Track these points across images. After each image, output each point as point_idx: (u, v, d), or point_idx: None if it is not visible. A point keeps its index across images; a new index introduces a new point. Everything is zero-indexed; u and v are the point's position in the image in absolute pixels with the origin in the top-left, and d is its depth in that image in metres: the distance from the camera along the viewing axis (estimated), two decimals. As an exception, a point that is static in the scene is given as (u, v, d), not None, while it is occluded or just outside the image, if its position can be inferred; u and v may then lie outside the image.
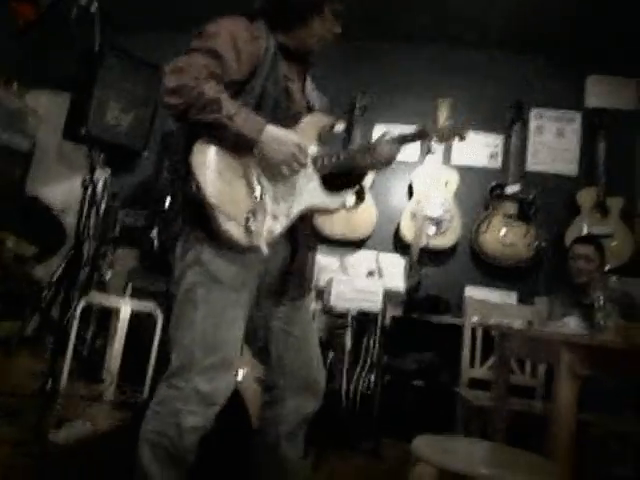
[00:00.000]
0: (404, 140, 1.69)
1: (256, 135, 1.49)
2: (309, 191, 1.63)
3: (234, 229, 1.48)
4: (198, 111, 1.45)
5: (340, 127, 4.18)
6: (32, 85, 4.72)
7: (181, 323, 1.54)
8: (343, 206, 1.73)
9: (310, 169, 1.64)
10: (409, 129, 1.69)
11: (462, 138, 1.72)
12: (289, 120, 1.61)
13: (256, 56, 1.58)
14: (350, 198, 1.67)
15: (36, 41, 4.34)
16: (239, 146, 1.51)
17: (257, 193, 1.53)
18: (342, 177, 1.72)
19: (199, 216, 1.51)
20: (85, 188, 3.70)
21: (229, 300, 1.53)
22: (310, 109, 1.72)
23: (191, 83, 1.45)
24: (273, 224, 1.54)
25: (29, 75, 4.69)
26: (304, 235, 1.70)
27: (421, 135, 1.71)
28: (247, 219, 1.49)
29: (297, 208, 1.60)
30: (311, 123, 1.67)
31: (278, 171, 1.54)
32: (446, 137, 1.73)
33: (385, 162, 1.69)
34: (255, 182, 1.54)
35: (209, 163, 1.50)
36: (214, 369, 1.50)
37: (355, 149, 1.74)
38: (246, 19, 1.63)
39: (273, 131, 1.51)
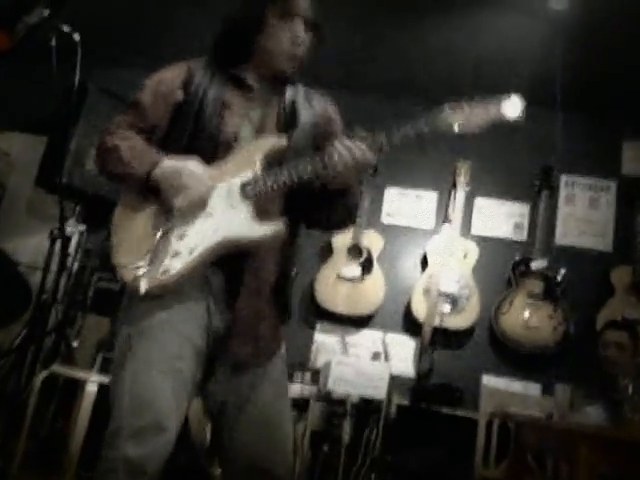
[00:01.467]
0: (362, 138, 1.64)
1: (147, 168, 1.65)
2: (229, 222, 1.66)
3: (126, 275, 1.63)
4: (103, 163, 1.73)
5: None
6: (4, 126, 4.90)
7: (112, 386, 1.62)
8: (269, 236, 1.66)
9: (235, 197, 1.68)
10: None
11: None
12: (221, 149, 1.72)
13: (174, 95, 1.76)
14: (275, 227, 1.62)
15: (9, 75, 4.53)
16: (143, 189, 1.68)
17: (159, 234, 1.66)
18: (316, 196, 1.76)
19: None
20: (53, 241, 3.85)
21: (158, 352, 1.59)
22: (287, 129, 1.78)
23: (104, 138, 1.72)
24: (171, 262, 1.62)
25: (0, 114, 4.88)
26: (254, 279, 1.71)
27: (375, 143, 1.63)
28: (138, 262, 1.63)
29: (206, 242, 1.64)
30: (255, 147, 1.72)
31: (182, 207, 1.66)
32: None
33: (345, 170, 1.62)
34: (161, 223, 1.68)
35: (116, 219, 1.72)
36: (144, 432, 1.53)
37: (298, 162, 1.68)
38: (186, 63, 1.82)
39: (169, 163, 1.65)
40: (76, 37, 3.16)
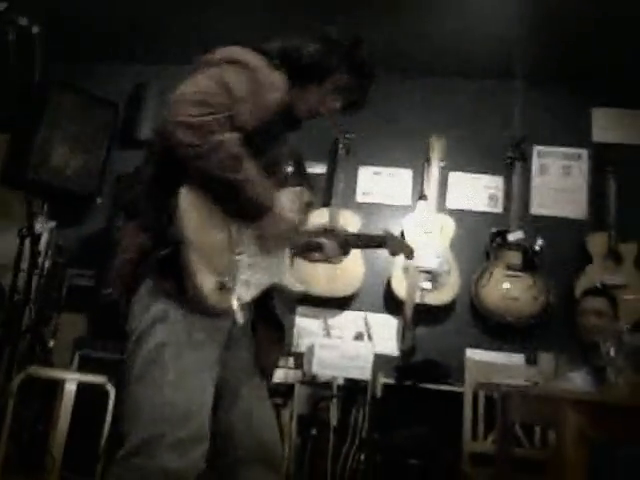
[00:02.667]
0: (358, 243, 2.17)
1: (270, 204, 1.65)
2: (279, 267, 1.78)
3: (207, 284, 1.54)
4: (215, 163, 1.51)
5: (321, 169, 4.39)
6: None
7: (143, 389, 1.54)
8: (301, 294, 1.91)
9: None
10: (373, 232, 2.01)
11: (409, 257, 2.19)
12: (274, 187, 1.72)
13: (269, 110, 1.65)
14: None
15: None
16: (234, 203, 1.61)
17: (236, 253, 1.63)
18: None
19: (168, 265, 1.55)
20: (22, 239, 3.82)
21: (202, 363, 1.58)
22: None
23: (214, 127, 1.50)
24: (244, 291, 1.63)
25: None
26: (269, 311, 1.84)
27: (379, 245, 2.25)
28: (222, 276, 1.57)
29: (268, 281, 1.72)
30: (294, 194, 1.79)
31: (266, 241, 1.70)
32: (397, 253, 2.35)
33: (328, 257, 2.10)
34: (236, 241, 1.64)
35: (196, 207, 1.56)
36: (186, 443, 1.49)
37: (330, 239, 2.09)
38: (268, 62, 1.69)
39: (280, 201, 1.69)
40: (35, 30, 3.14)
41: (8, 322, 3.74)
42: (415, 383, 3.81)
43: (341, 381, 3.74)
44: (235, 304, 1.58)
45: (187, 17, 4.13)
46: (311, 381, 3.77)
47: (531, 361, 3.95)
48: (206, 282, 1.54)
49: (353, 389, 3.75)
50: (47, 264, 4.18)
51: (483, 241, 4.22)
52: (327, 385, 3.73)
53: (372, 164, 4.48)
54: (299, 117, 1.83)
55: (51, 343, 3.95)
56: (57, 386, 3.58)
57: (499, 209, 4.37)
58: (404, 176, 4.50)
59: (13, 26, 3.13)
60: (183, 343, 1.56)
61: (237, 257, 1.63)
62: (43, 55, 3.19)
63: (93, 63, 4.72)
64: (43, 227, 4.07)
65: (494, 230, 4.18)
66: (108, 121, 4.40)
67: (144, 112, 4.50)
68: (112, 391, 3.47)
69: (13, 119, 4.21)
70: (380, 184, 4.49)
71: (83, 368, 3.77)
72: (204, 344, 1.59)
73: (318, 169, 4.43)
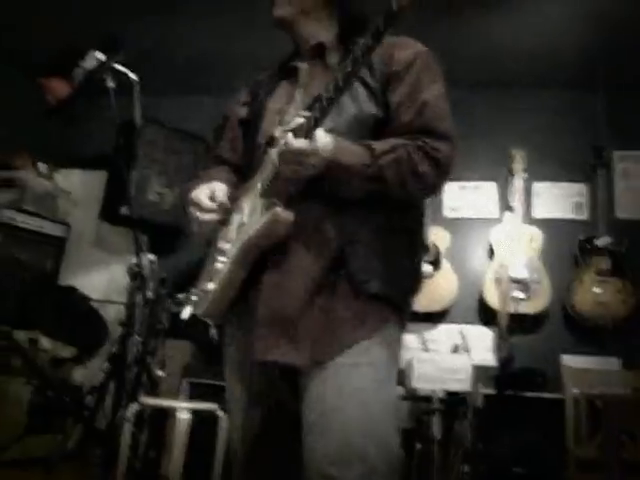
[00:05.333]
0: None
1: None
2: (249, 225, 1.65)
3: None
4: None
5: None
6: (63, 164, 5.22)
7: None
8: (266, 223, 1.58)
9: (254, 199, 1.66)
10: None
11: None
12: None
13: None
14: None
15: (66, 116, 4.81)
16: None
17: None
18: None
19: None
20: (133, 276, 4.06)
21: None
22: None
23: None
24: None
25: (59, 153, 5.20)
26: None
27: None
28: None
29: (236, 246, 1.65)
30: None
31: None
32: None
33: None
34: None
35: None
36: None
37: None
38: None
39: None
40: (133, 76, 3.40)
41: (118, 354, 3.96)
42: (515, 392, 3.94)
43: (441, 394, 3.84)
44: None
45: (273, 50, 4.35)
46: (412, 396, 3.89)
47: (627, 365, 4.07)
48: None
49: (454, 401, 3.85)
50: (150, 295, 4.42)
51: (571, 248, 4.36)
52: (428, 399, 3.83)
53: (457, 179, 4.66)
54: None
55: (160, 373, 4.17)
56: (166, 415, 3.78)
57: (585, 216, 4.51)
58: (489, 189, 4.70)
59: (112, 73, 3.37)
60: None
61: None
62: (138, 96, 3.44)
63: (180, 97, 5.05)
64: (145, 260, 4.32)
65: (581, 237, 4.33)
66: (198, 154, 4.67)
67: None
68: (223, 417, 3.62)
69: (110, 156, 4.52)
70: (466, 198, 4.70)
71: (192, 395, 3.99)
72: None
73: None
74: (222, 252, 1.68)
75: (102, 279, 4.94)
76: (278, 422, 1.68)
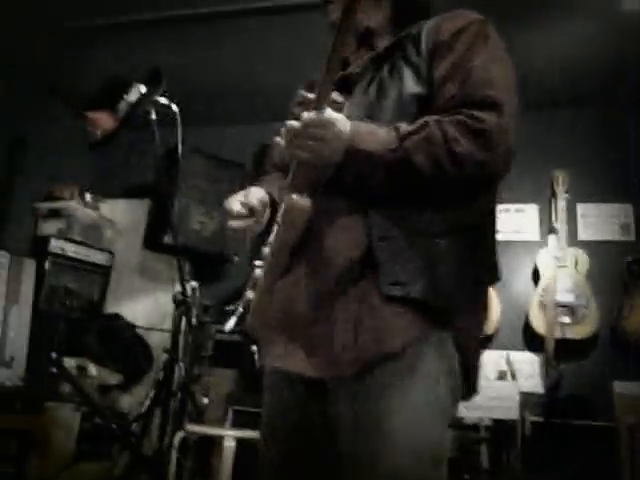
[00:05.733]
0: None
1: None
2: None
3: None
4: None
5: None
6: (107, 194, 5.36)
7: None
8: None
9: None
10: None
11: None
12: None
13: None
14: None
15: (110, 148, 4.94)
16: None
17: None
18: None
19: None
20: (177, 303, 4.12)
21: None
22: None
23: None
24: None
25: (103, 184, 5.38)
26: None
27: None
28: None
29: None
30: None
31: None
32: None
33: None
34: None
35: None
36: None
37: None
38: None
39: None
40: (174, 107, 3.46)
41: (163, 381, 4.02)
42: (564, 420, 3.86)
43: (488, 422, 3.81)
44: None
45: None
46: (458, 424, 3.85)
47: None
48: None
49: (501, 430, 3.82)
50: (194, 322, 4.48)
51: (619, 271, 4.26)
52: (474, 427, 3.80)
53: (499, 202, 4.57)
54: None
55: (205, 400, 4.22)
56: (212, 442, 3.82)
57: (632, 237, 4.41)
58: (531, 211, 4.63)
59: (154, 105, 3.45)
60: None
61: None
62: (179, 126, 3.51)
63: (219, 126, 5.15)
64: (188, 288, 4.39)
65: (629, 259, 4.23)
66: (237, 181, 4.72)
67: (271, 170, 4.79)
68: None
69: (153, 186, 4.67)
70: (508, 221, 4.62)
71: (236, 423, 4.02)
72: None
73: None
74: (261, 257, 1.55)
75: (146, 306, 5.02)
76: (310, 448, 1.50)
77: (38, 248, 4.82)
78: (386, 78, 1.50)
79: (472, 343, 1.47)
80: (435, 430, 1.36)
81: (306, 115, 1.30)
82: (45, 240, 4.81)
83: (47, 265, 4.73)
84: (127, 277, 5.18)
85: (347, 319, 1.35)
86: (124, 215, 5.32)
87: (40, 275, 4.68)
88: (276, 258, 1.49)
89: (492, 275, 1.53)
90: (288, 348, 1.42)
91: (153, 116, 3.39)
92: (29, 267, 4.60)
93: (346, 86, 1.57)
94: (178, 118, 3.42)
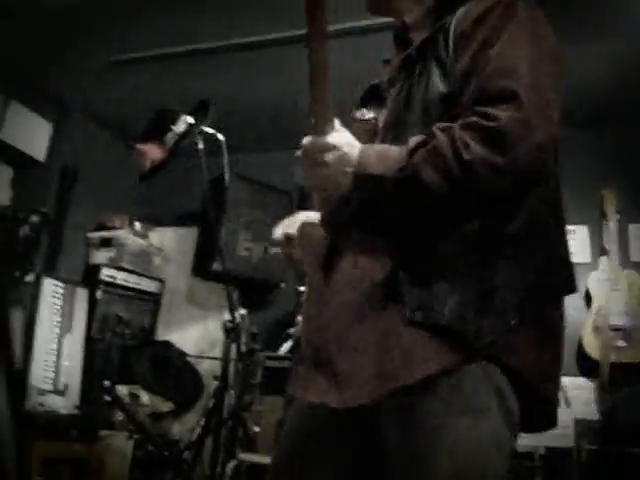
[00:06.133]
0: None
1: None
2: None
3: None
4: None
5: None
6: (156, 223, 5.47)
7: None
8: None
9: None
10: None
11: None
12: None
13: None
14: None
15: (158, 178, 5.06)
16: None
17: None
18: None
19: None
20: (227, 331, 4.17)
21: None
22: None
23: None
24: None
25: (152, 213, 5.49)
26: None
27: None
28: None
29: None
30: None
31: None
32: None
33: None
34: None
35: None
36: None
37: None
38: None
39: None
40: (220, 137, 3.53)
41: (213, 409, 4.06)
42: (621, 447, 3.77)
43: (542, 450, 3.75)
44: None
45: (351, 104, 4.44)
46: (512, 453, 3.78)
47: None
48: None
49: (556, 458, 3.75)
50: (244, 349, 4.51)
51: (674, 292, 4.15)
52: (529, 456, 3.74)
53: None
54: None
55: (256, 428, 4.24)
56: (265, 470, 3.82)
57: (686, 257, 4.30)
58: (581, 233, 4.54)
59: (201, 135, 3.52)
60: None
61: None
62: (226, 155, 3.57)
63: (264, 153, 5.22)
64: (237, 315, 4.42)
65: (684, 280, 4.12)
66: (283, 209, 4.76)
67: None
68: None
69: (200, 213, 4.74)
70: (558, 243, 4.53)
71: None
72: None
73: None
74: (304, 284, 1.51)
75: (196, 334, 5.08)
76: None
77: (90, 277, 4.93)
78: (415, 82, 1.36)
79: (534, 373, 1.31)
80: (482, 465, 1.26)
81: (305, 141, 1.26)
82: (96, 269, 4.93)
83: (99, 294, 4.83)
84: (176, 304, 5.26)
85: (370, 347, 1.25)
86: (173, 243, 5.42)
87: (92, 304, 4.77)
88: (309, 285, 1.46)
89: (557, 290, 1.41)
90: (317, 380, 1.33)
91: (200, 145, 3.47)
92: (82, 296, 4.69)
93: (379, 97, 1.49)
94: (224, 146, 3.49)
